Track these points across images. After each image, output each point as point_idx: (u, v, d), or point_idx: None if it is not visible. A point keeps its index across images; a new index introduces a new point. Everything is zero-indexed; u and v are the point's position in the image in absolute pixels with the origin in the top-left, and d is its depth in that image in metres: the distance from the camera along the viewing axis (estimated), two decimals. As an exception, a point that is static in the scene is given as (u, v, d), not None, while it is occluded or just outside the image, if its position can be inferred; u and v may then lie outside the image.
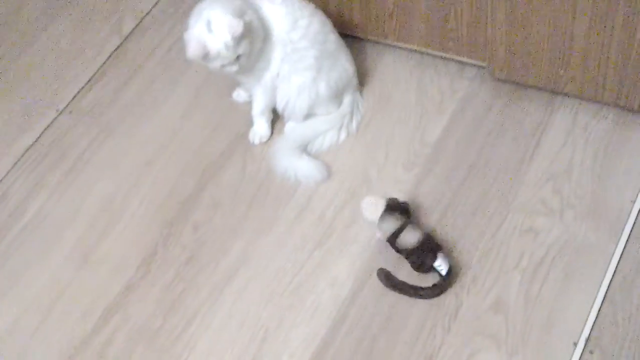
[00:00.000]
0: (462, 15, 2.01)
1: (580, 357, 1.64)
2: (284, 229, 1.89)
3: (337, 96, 2.02)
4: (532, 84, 2.04)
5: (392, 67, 2.16)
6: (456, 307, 1.74)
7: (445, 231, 1.84)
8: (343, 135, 2.03)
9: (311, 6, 1.96)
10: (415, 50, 2.16)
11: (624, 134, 1.95)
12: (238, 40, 1.80)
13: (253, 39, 1.85)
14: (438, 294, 1.73)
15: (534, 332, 1.69)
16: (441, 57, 2.14)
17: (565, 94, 2.02)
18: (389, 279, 1.75)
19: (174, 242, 1.88)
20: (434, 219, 1.87)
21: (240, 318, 1.76)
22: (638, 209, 1.83)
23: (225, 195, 1.95)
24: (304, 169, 1.95)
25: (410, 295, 1.73)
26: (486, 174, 1.93)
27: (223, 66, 1.85)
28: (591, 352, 1.64)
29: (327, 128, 2.02)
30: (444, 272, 1.72)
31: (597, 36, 1.86)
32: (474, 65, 2.11)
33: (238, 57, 1.84)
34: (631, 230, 1.80)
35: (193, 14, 1.86)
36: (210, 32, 1.80)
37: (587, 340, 1.66)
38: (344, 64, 2.02)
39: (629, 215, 1.82)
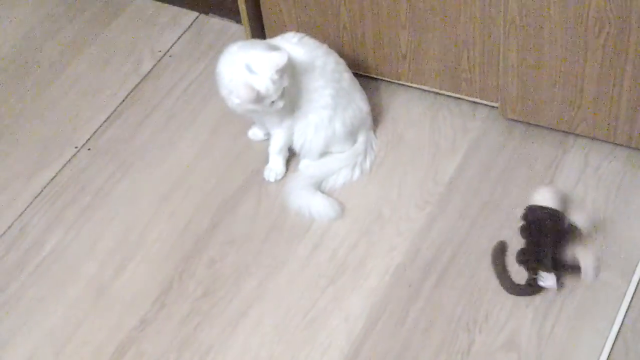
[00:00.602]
0: (474, 57, 2.05)
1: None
2: (298, 265, 1.90)
3: (352, 135, 2.05)
4: (544, 124, 2.06)
5: (405, 107, 2.19)
6: (469, 344, 1.74)
7: (458, 268, 1.85)
8: (357, 174, 2.06)
9: (325, 46, 2.00)
10: (428, 90, 2.20)
11: (635, 174, 1.97)
12: (282, 72, 1.84)
13: (292, 71, 1.89)
14: (527, 294, 1.78)
15: (547, 370, 1.69)
16: (454, 98, 2.17)
17: (577, 134, 2.04)
18: (498, 255, 1.82)
19: (189, 277, 1.90)
20: (446, 256, 1.88)
21: (253, 353, 1.77)
22: (650, 249, 1.83)
23: (240, 232, 1.97)
24: (318, 206, 1.97)
25: (502, 281, 1.80)
26: (499, 212, 1.94)
27: (272, 103, 1.88)
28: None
29: (341, 166, 2.05)
30: (544, 283, 1.77)
31: (608, 78, 1.88)
32: (486, 106, 2.14)
33: (283, 92, 1.88)
34: (644, 269, 1.81)
35: (224, 62, 1.90)
36: (253, 73, 1.83)
37: (599, 381, 1.66)
38: (359, 103, 2.06)
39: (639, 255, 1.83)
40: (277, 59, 1.83)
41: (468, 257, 1.88)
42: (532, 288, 1.77)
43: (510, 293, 1.78)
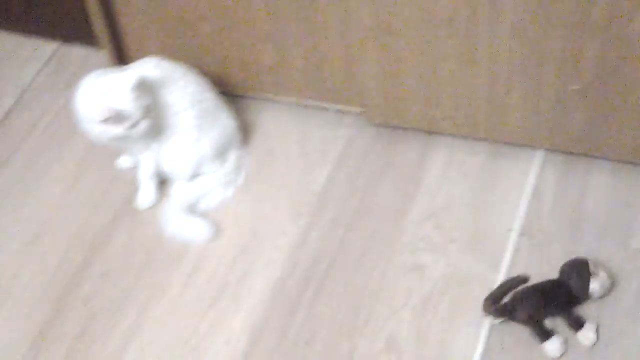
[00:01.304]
0: (336, 66, 2.08)
1: (475, 383, 1.69)
2: (176, 292, 1.90)
3: (221, 154, 2.06)
4: (408, 126, 2.11)
5: (274, 121, 2.20)
6: (351, 350, 1.77)
7: (335, 277, 1.88)
8: (230, 192, 2.06)
9: (184, 67, 2.00)
10: (295, 102, 2.22)
11: (497, 166, 2.03)
12: (138, 91, 1.83)
13: (151, 90, 1.89)
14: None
15: (427, 367, 1.73)
16: (321, 108, 2.20)
17: (441, 133, 2.09)
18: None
19: (64, 318, 1.87)
20: (323, 266, 1.90)
21: (137, 386, 1.76)
22: (516, 237, 1.89)
23: (115, 265, 1.95)
24: (192, 229, 1.97)
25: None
26: (370, 217, 1.98)
27: (135, 125, 1.86)
28: (486, 375, 1.69)
29: (213, 186, 2.05)
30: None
31: (463, 77, 1.94)
32: (353, 113, 2.17)
33: (145, 111, 1.86)
34: (511, 259, 1.86)
35: (80, 94, 1.88)
36: (109, 94, 1.83)
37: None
38: (225, 121, 2.06)
39: (507, 244, 1.89)
40: (129, 78, 1.83)
41: (344, 265, 1.91)
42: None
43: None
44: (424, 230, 1.94)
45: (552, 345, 1.70)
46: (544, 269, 1.82)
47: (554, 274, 1.80)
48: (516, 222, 1.92)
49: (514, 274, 1.83)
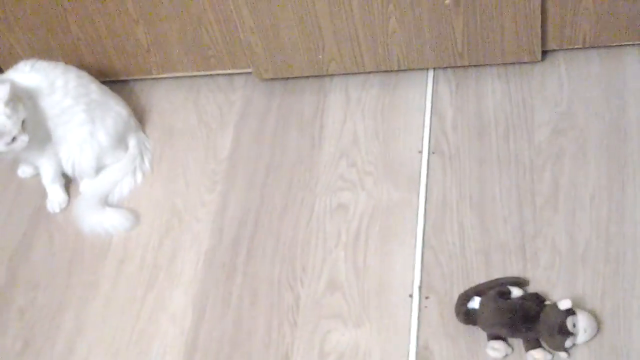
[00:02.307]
0: (214, 31, 2.07)
1: (419, 305, 1.73)
2: (109, 285, 1.87)
3: (120, 142, 2.03)
4: (298, 75, 2.13)
5: (166, 99, 2.19)
6: (295, 300, 1.79)
7: (263, 235, 1.89)
8: (139, 177, 2.04)
9: (61, 64, 1.96)
10: (183, 76, 2.20)
11: (393, 94, 2.07)
12: (12, 104, 1.77)
13: (26, 101, 1.82)
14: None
15: (372, 298, 1.76)
16: (209, 76, 2.19)
17: (332, 75, 2.12)
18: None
19: (3, 334, 1.82)
20: (249, 227, 1.91)
21: (94, 385, 1.74)
22: (427, 157, 1.94)
23: (41, 273, 1.91)
24: (110, 221, 1.94)
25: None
26: (284, 170, 1.99)
27: (14, 140, 1.80)
28: (427, 298, 1.74)
29: (121, 175, 2.02)
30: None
31: (340, 14, 1.96)
32: (242, 74, 2.18)
33: (23, 125, 1.80)
34: (427, 177, 1.91)
35: None
36: None
37: (420, 288, 1.75)
38: (116, 109, 2.03)
39: (420, 165, 1.94)
40: (1, 91, 1.77)
41: (269, 220, 1.92)
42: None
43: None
44: (338, 170, 1.97)
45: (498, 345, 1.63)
46: (460, 181, 1.88)
47: (470, 185, 1.86)
48: (424, 143, 1.97)
49: (433, 193, 1.87)
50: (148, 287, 1.85)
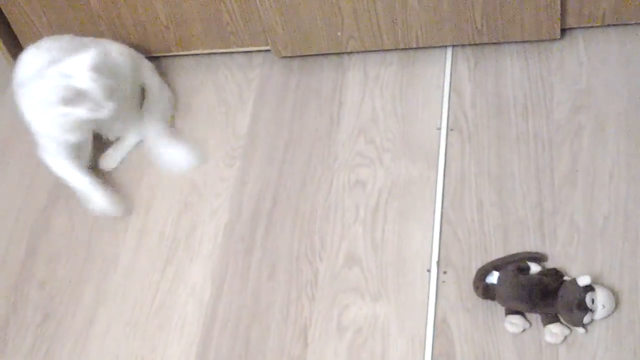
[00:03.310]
0: (233, 8, 2.08)
1: (437, 280, 1.74)
2: (129, 258, 1.89)
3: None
4: (317, 52, 2.13)
5: (185, 77, 2.19)
6: (313, 274, 1.80)
7: (282, 209, 1.90)
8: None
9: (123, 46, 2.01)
10: (201, 54, 2.21)
11: (411, 72, 2.07)
12: (98, 70, 1.75)
13: (115, 72, 1.84)
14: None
15: (390, 273, 1.77)
16: (227, 53, 2.20)
17: (350, 52, 2.12)
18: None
19: (23, 307, 1.84)
20: (268, 202, 1.92)
21: (112, 356, 1.75)
22: (445, 133, 1.95)
23: (61, 245, 1.93)
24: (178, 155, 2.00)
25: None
26: (302, 146, 2.00)
27: (100, 106, 1.77)
28: (445, 273, 1.74)
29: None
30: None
31: (359, -9, 1.97)
32: (260, 51, 2.18)
33: (111, 93, 1.79)
34: (445, 154, 1.92)
35: (34, 79, 1.79)
36: (69, 77, 1.75)
37: (438, 263, 1.76)
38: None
39: (439, 141, 1.94)
40: (84, 59, 1.75)
41: (288, 196, 1.92)
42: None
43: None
44: (356, 147, 1.98)
45: (516, 320, 1.63)
46: (479, 157, 1.88)
47: (488, 162, 1.86)
48: (442, 120, 1.97)
49: (452, 169, 1.88)
50: (167, 261, 1.87)
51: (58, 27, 2.13)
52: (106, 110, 1.78)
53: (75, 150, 1.89)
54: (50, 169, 1.92)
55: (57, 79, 1.75)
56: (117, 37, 2.15)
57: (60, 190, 2.01)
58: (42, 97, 1.77)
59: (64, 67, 1.75)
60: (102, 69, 1.77)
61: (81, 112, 1.76)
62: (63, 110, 1.77)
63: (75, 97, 1.74)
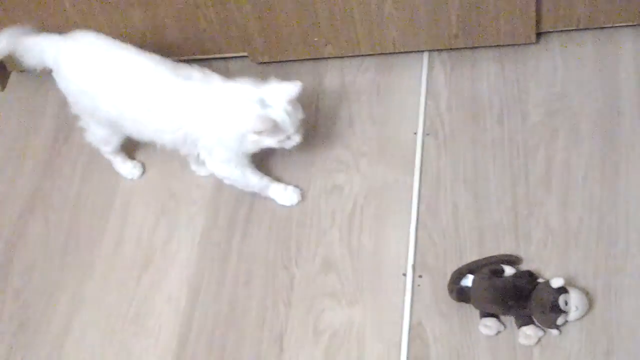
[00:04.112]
0: (210, 15, 2.08)
1: (413, 284, 1.74)
2: (105, 265, 1.88)
3: None
4: (294, 58, 2.13)
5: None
6: (290, 279, 1.80)
7: (258, 215, 1.90)
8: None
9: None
10: (178, 60, 2.20)
11: (388, 77, 2.08)
12: (294, 102, 1.73)
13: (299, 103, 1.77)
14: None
15: (366, 277, 1.77)
16: (204, 60, 2.19)
17: (327, 58, 2.12)
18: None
19: (-2, 316, 1.84)
20: (245, 207, 1.92)
21: (89, 364, 1.75)
22: (421, 138, 1.95)
23: (37, 254, 1.92)
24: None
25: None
26: (279, 151, 1.99)
27: (288, 138, 1.75)
28: (420, 276, 1.75)
29: None
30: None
31: (336, -3, 1.97)
32: (238, 57, 2.18)
33: (299, 127, 1.76)
34: (421, 158, 1.92)
35: (232, 99, 1.73)
36: (268, 106, 1.71)
37: (414, 267, 1.76)
38: None
39: (415, 146, 1.94)
40: (288, 90, 1.72)
41: (265, 202, 1.92)
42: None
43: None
44: (333, 152, 1.98)
45: (490, 322, 1.64)
46: (455, 162, 1.88)
47: (464, 166, 1.86)
48: (419, 125, 1.98)
49: (428, 173, 1.88)
50: (143, 268, 1.86)
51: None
52: (294, 143, 1.76)
53: (248, 157, 1.84)
54: (221, 175, 1.86)
55: (255, 105, 1.70)
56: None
57: (37, 196, 2.01)
58: (234, 120, 1.72)
59: (265, 94, 1.71)
60: (295, 101, 1.73)
61: (271, 142, 1.74)
62: (254, 137, 1.73)
63: (269, 127, 1.70)
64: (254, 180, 1.86)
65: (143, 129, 1.81)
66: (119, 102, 1.78)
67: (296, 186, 1.88)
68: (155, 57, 1.79)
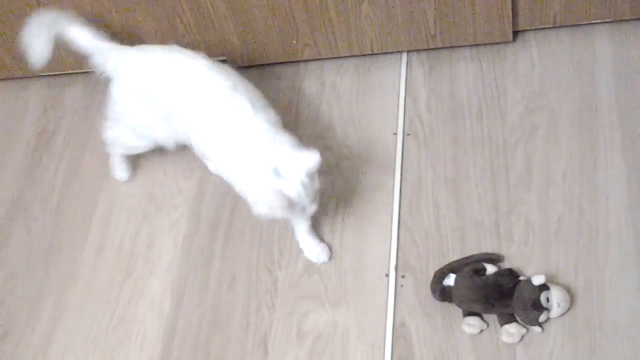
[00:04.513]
0: (188, 20, 2.08)
1: (396, 284, 1.74)
2: (88, 273, 1.88)
3: None
4: (273, 61, 2.13)
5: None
6: (273, 282, 1.80)
7: (240, 219, 1.90)
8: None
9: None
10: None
11: (367, 78, 2.09)
12: (313, 174, 1.60)
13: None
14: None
15: (349, 279, 1.77)
16: (184, 65, 2.18)
17: (306, 61, 2.13)
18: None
19: (-19, 326, 1.83)
20: (227, 212, 1.92)
21: (73, 372, 1.75)
22: (401, 138, 1.96)
23: (19, 263, 1.91)
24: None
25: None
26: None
27: (303, 209, 1.64)
28: (403, 277, 1.75)
29: None
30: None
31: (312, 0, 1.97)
32: (217, 61, 2.17)
33: (315, 197, 1.64)
34: (402, 159, 1.92)
35: (249, 159, 1.63)
36: (281, 177, 1.59)
37: (396, 267, 1.77)
38: None
39: (396, 146, 1.95)
40: (307, 162, 1.59)
41: (246, 204, 1.91)
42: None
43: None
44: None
45: (473, 321, 1.65)
46: (435, 161, 1.89)
47: (444, 165, 1.87)
48: (398, 125, 1.98)
49: (408, 173, 1.89)
50: (126, 275, 1.86)
51: None
52: (309, 213, 1.66)
53: None
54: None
55: (270, 177, 1.59)
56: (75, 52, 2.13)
57: (18, 205, 2.00)
58: (263, 202, 1.61)
59: (280, 163, 1.60)
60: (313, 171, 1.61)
61: (285, 213, 1.61)
62: (266, 209, 1.62)
63: (284, 205, 1.58)
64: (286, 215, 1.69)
65: (186, 139, 1.80)
66: (173, 108, 1.76)
67: (328, 244, 1.80)
68: (223, 77, 1.74)
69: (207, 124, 1.73)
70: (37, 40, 1.86)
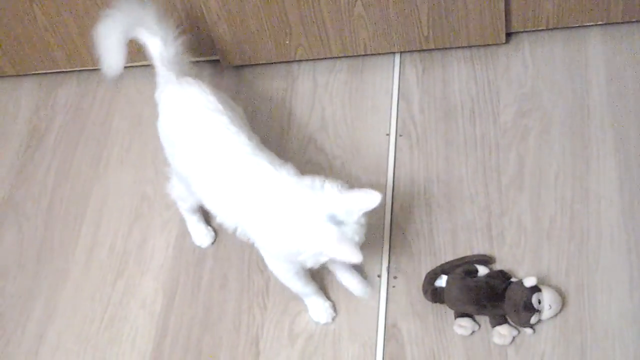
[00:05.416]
0: (181, 19, 2.07)
1: (387, 285, 1.74)
2: (80, 272, 1.88)
3: None
4: (266, 61, 2.13)
5: (134, 88, 2.18)
6: (265, 283, 1.80)
7: (232, 219, 1.89)
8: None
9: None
10: (150, 64, 2.19)
11: (360, 79, 2.09)
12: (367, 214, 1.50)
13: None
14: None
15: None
16: (177, 64, 2.18)
17: (299, 61, 2.13)
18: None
19: (-29, 325, 1.82)
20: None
21: (64, 372, 1.74)
22: (394, 139, 1.96)
23: (10, 262, 1.91)
24: None
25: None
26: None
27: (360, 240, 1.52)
28: (395, 278, 1.75)
29: None
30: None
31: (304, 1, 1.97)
32: (210, 61, 2.18)
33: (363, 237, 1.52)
34: (395, 160, 1.93)
35: (299, 212, 1.50)
36: (340, 223, 1.48)
37: (388, 268, 1.77)
38: None
39: (388, 147, 1.95)
40: (369, 202, 1.48)
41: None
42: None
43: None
44: (306, 155, 1.98)
45: (465, 322, 1.65)
46: (428, 162, 1.89)
47: (437, 166, 1.87)
48: (391, 126, 1.99)
49: (401, 174, 1.89)
50: (118, 274, 1.86)
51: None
52: (357, 259, 1.48)
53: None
54: (267, 264, 1.70)
55: (329, 226, 1.48)
56: (67, 51, 2.13)
57: (9, 204, 2.00)
58: (337, 250, 1.49)
59: (335, 208, 1.48)
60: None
61: (359, 257, 1.48)
62: (324, 257, 1.52)
63: (353, 250, 1.47)
64: (296, 286, 1.67)
65: (204, 197, 1.65)
66: (191, 161, 1.64)
67: (333, 304, 1.75)
68: (243, 131, 1.63)
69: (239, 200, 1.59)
70: (109, 43, 1.70)
